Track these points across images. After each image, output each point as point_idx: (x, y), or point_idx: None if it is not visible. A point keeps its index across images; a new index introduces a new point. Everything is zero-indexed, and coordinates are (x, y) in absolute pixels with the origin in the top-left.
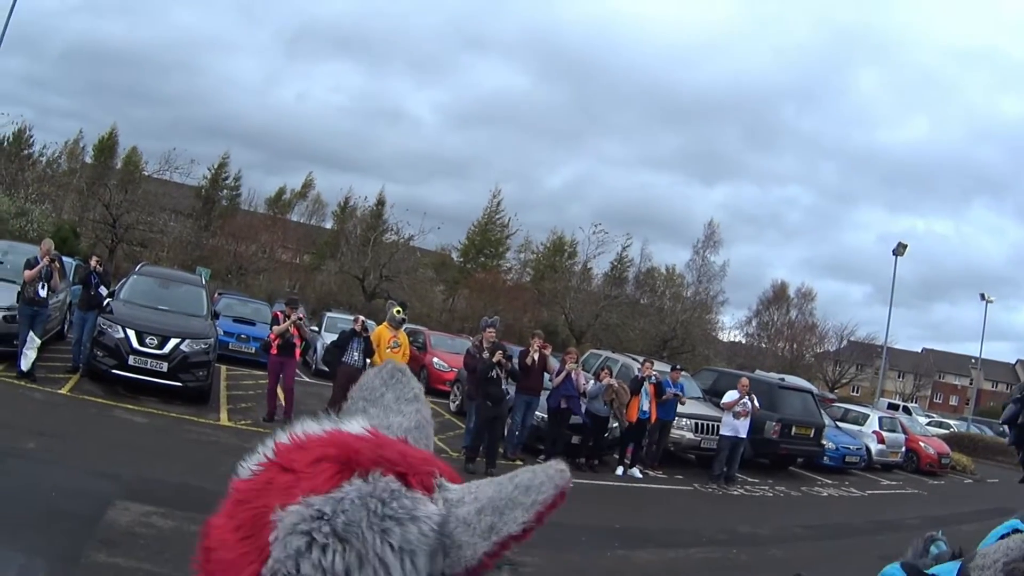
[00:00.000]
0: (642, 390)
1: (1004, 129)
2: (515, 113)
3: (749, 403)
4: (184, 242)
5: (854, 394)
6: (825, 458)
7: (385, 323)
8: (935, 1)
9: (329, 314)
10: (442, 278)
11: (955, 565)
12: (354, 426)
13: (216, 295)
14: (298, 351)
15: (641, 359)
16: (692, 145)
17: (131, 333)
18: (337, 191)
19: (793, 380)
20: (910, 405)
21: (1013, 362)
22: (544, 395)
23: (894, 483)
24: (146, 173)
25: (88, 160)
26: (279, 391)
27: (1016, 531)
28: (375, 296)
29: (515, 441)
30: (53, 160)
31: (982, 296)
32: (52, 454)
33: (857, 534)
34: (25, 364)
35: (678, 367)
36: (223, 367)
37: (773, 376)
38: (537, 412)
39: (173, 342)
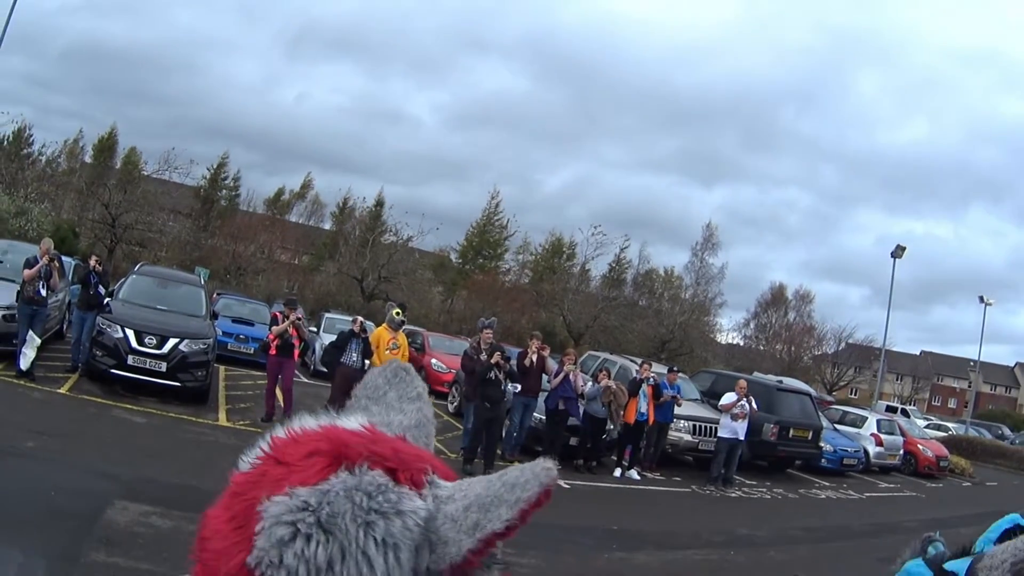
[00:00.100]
0: (640, 392)
1: (1003, 131)
2: (514, 115)
3: (747, 405)
4: (183, 242)
5: (852, 396)
6: (823, 460)
7: (384, 324)
8: (934, 3)
9: (327, 315)
10: (440, 279)
11: (966, 562)
12: (351, 422)
13: (215, 295)
14: (297, 352)
15: (639, 361)
16: (691, 147)
17: (130, 333)
18: (336, 192)
19: (791, 382)
20: (908, 408)
21: (1012, 365)
22: (542, 396)
23: (892, 486)
24: (145, 173)
25: (87, 160)
26: (278, 391)
27: (1018, 526)
28: (374, 297)
29: (513, 442)
30: (53, 159)
31: (981, 299)
32: (51, 453)
33: (855, 536)
34: (24, 363)
35: (675, 368)
36: (222, 367)
37: (771, 378)
38: (535, 413)
39: (172, 342)
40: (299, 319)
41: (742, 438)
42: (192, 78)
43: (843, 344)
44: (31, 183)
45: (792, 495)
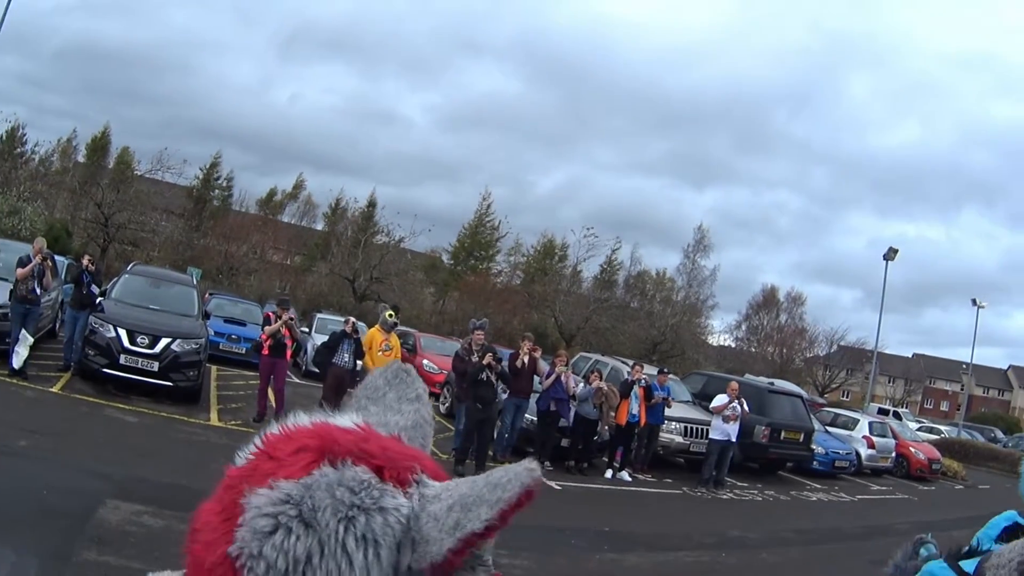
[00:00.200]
0: (632, 393)
1: (996, 135)
2: (506, 116)
3: (738, 407)
4: (175, 242)
5: (844, 399)
6: (815, 463)
7: (377, 326)
8: (927, 6)
9: (319, 315)
10: (432, 280)
11: (974, 562)
12: (344, 420)
13: (207, 295)
14: (289, 352)
15: (631, 362)
16: (683, 149)
17: (122, 332)
18: (328, 192)
19: (783, 384)
20: (900, 410)
21: (1005, 368)
22: (534, 398)
23: (884, 488)
24: (138, 173)
25: (81, 159)
26: (269, 392)
27: (1016, 523)
28: (365, 297)
29: (504, 443)
30: (46, 159)
31: (973, 302)
32: (43, 452)
33: (847, 539)
34: (17, 362)
35: (665, 370)
36: (213, 367)
37: (762, 380)
38: (527, 415)
39: (164, 342)
40: (291, 319)
41: (733, 440)
42: (186, 78)
43: (835, 346)
44: (24, 182)
45: (784, 497)
